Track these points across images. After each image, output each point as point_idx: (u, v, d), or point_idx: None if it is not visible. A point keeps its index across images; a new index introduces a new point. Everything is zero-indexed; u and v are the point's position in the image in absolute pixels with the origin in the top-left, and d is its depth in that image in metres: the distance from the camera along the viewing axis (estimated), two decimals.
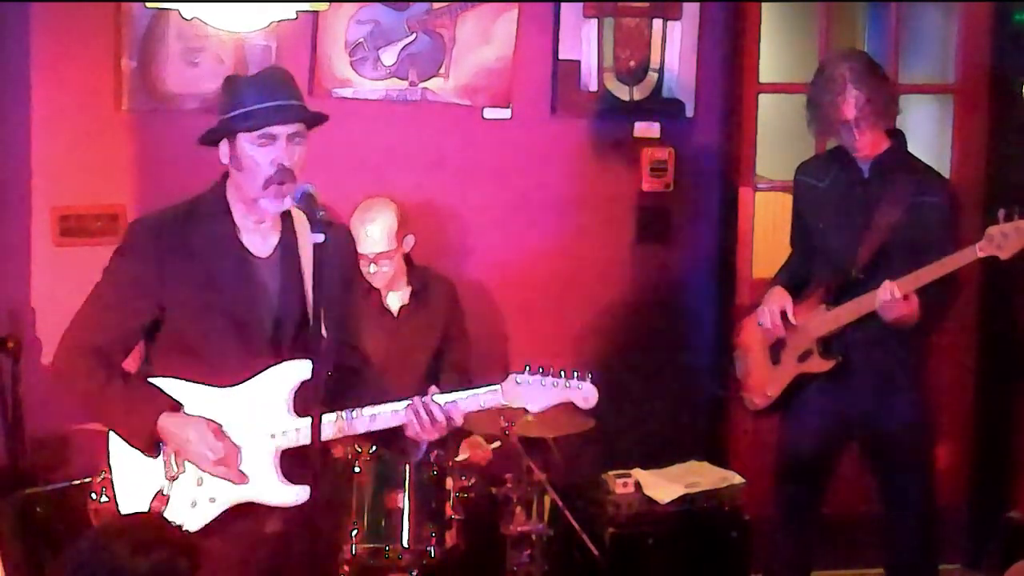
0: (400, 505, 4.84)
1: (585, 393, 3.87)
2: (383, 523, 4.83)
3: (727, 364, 5.52)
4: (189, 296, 3.84)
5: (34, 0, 5.45)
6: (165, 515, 3.79)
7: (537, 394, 3.85)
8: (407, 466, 4.85)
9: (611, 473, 5.70)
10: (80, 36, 5.49)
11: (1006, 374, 6.30)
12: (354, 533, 4.80)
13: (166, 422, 3.82)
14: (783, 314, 5.07)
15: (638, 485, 5.68)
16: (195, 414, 3.84)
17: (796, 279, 5.17)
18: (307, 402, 3.75)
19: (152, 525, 3.47)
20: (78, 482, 5.09)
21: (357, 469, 4.83)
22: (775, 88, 6.53)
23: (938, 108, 6.46)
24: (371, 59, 5.75)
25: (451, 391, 5.34)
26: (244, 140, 3.81)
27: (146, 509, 3.87)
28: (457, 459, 5.10)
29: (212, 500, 3.86)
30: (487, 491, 5.18)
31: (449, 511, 4.91)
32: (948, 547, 6.27)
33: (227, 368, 3.85)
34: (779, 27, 7.31)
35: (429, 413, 3.82)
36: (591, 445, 5.63)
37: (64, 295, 5.35)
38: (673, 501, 5.63)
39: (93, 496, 4.94)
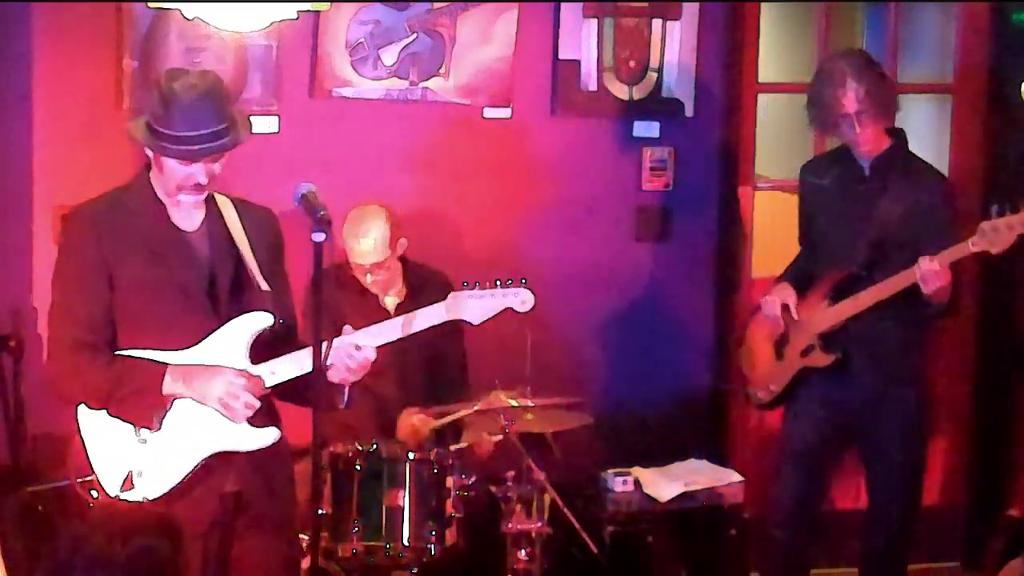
0: (400, 503, 4.84)
1: (522, 297, 4.21)
2: (383, 521, 4.84)
3: (733, 359, 5.54)
4: (131, 271, 4.06)
5: (36, 0, 5.46)
6: (136, 484, 4.01)
7: (477, 305, 4.19)
8: (408, 464, 4.86)
9: (610, 471, 5.71)
10: (82, 36, 5.50)
11: (1004, 373, 6.31)
12: (355, 531, 4.81)
13: (176, 377, 4.01)
14: (785, 307, 5.11)
15: (637, 483, 5.70)
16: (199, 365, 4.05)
17: (803, 276, 5.21)
18: (262, 351, 4.06)
19: (132, 513, 3.49)
20: (79, 480, 5.11)
21: (358, 467, 4.84)
22: (774, 88, 6.55)
23: (936, 108, 6.48)
24: (372, 59, 5.76)
25: (448, 389, 5.39)
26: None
27: (121, 483, 4.03)
28: (458, 446, 5.10)
29: (183, 459, 4.04)
30: (487, 489, 5.19)
31: (449, 509, 4.91)
32: (946, 545, 6.31)
33: (174, 332, 4.06)
34: (778, 27, 7.32)
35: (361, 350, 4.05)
36: (590, 443, 5.65)
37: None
38: (672, 499, 5.65)
39: (94, 494, 4.96)
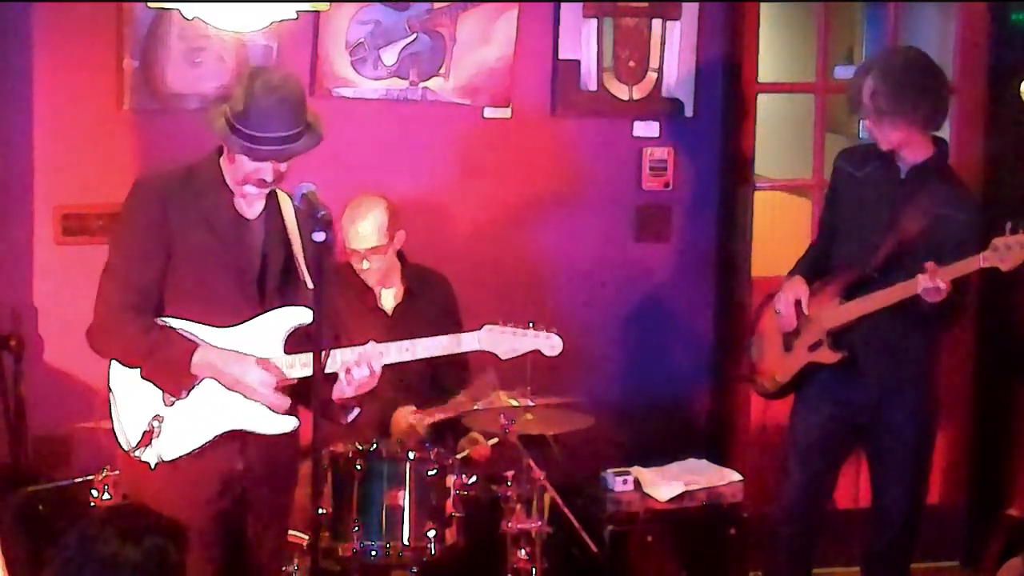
0: (401, 502, 4.85)
1: (552, 343, 4.39)
2: (384, 520, 4.85)
3: (741, 346, 5.57)
4: (189, 244, 4.21)
5: (37, 0, 5.47)
6: (151, 445, 4.16)
7: (509, 341, 4.37)
8: (408, 464, 4.87)
9: (610, 471, 5.72)
10: (82, 36, 5.51)
11: (1004, 371, 6.32)
12: (355, 530, 4.81)
13: (207, 357, 4.16)
14: (797, 303, 5.12)
15: (637, 483, 5.71)
16: (230, 351, 4.19)
17: (818, 264, 5.21)
18: (296, 344, 4.20)
19: (140, 513, 3.50)
20: (80, 480, 5.13)
21: (358, 466, 4.84)
22: (774, 88, 6.57)
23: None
24: (372, 59, 5.77)
25: (447, 389, 5.39)
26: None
27: (138, 440, 4.15)
28: (456, 456, 5.12)
29: (202, 429, 4.20)
30: (487, 489, 5.20)
31: (449, 508, 4.92)
32: (946, 544, 6.31)
33: (219, 311, 4.21)
34: (778, 27, 7.34)
35: (368, 362, 4.19)
36: (590, 443, 5.65)
37: (66, 294, 5.41)
38: (672, 499, 5.66)
39: (94, 493, 4.98)
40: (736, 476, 5.79)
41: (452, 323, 5.45)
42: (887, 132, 4.94)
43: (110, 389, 4.25)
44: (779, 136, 7.03)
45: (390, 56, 5.79)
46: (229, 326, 4.21)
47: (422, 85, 5.82)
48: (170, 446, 4.19)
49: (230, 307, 4.22)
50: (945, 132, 6.26)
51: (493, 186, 5.97)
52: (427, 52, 5.81)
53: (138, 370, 4.20)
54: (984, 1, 6.25)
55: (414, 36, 5.80)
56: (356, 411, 4.34)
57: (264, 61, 5.59)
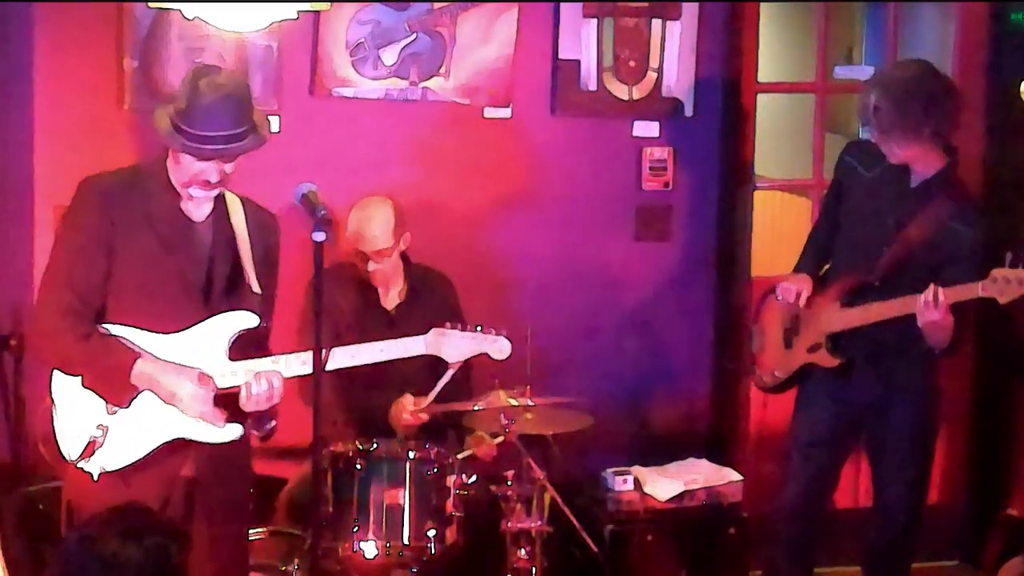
0: (401, 502, 4.85)
1: (500, 346, 4.42)
2: (384, 520, 4.85)
3: (742, 338, 5.56)
4: (133, 247, 4.12)
5: (37, 0, 5.47)
6: (94, 456, 4.09)
7: (456, 343, 4.40)
8: (408, 463, 4.87)
9: (610, 470, 5.72)
10: (82, 36, 5.51)
11: (1004, 371, 6.32)
12: (355, 530, 4.82)
13: (145, 369, 4.08)
14: (798, 296, 5.12)
15: (637, 482, 5.71)
16: (173, 363, 4.11)
17: (821, 257, 5.22)
18: (241, 350, 4.15)
19: (141, 513, 3.50)
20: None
21: (358, 466, 4.84)
22: (774, 88, 6.57)
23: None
24: (372, 58, 5.77)
25: (453, 392, 5.39)
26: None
27: (79, 453, 4.09)
28: (461, 455, 5.12)
29: (145, 438, 4.12)
30: (487, 488, 5.20)
31: (450, 508, 4.92)
32: (946, 543, 6.32)
33: (163, 315, 4.13)
34: (778, 27, 7.34)
35: (268, 380, 4.12)
36: (590, 443, 5.65)
37: None
38: (672, 498, 5.66)
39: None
40: (736, 476, 5.80)
41: (453, 324, 5.46)
42: (894, 148, 4.90)
43: (52, 399, 4.16)
44: (779, 136, 7.03)
45: (390, 56, 5.79)
46: (173, 332, 4.13)
47: (422, 85, 5.82)
48: (113, 456, 4.12)
49: (174, 312, 4.14)
50: None
51: (493, 186, 5.98)
52: (427, 52, 5.82)
53: (79, 378, 4.11)
54: (984, 1, 6.25)
55: (414, 36, 5.80)
56: (272, 423, 4.27)
57: (265, 61, 5.60)
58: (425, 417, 5.22)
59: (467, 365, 5.42)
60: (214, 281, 4.19)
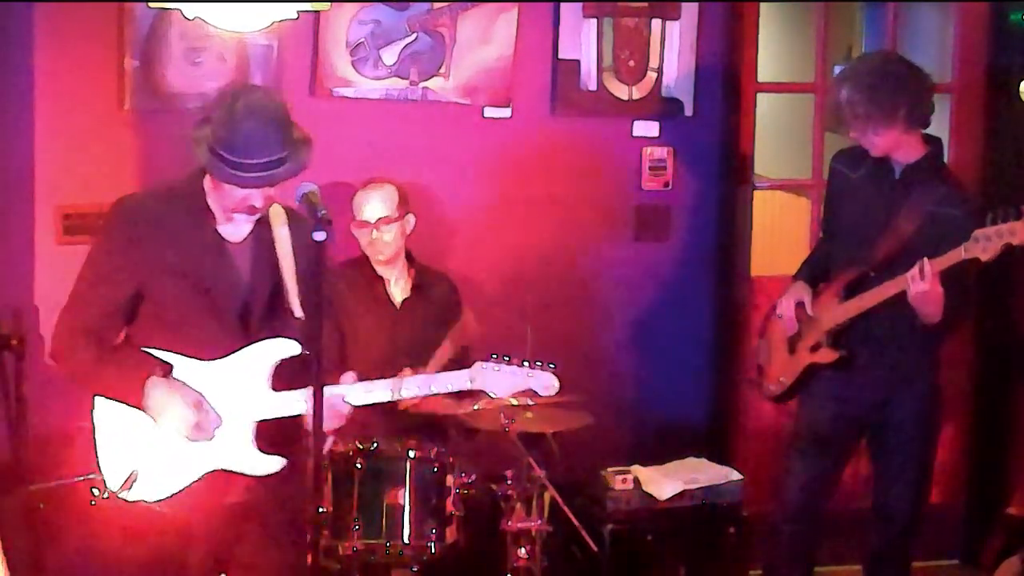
0: (401, 501, 4.86)
1: (545, 382, 4.25)
2: (384, 519, 4.85)
3: (748, 350, 5.57)
4: (167, 274, 4.01)
5: (37, 0, 5.47)
6: (136, 486, 4.00)
7: (501, 380, 4.22)
8: (408, 462, 4.88)
9: (610, 469, 5.73)
10: (83, 36, 5.51)
11: (1004, 370, 6.33)
12: (355, 529, 4.82)
13: (151, 387, 4.00)
14: (800, 304, 5.14)
15: (637, 481, 5.71)
16: (180, 383, 4.02)
17: (821, 267, 5.24)
18: (286, 379, 4.03)
19: (148, 515, 3.50)
20: (81, 479, 5.12)
21: (358, 465, 4.85)
22: (773, 87, 6.57)
23: (936, 107, 6.48)
24: (372, 58, 5.77)
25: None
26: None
27: (122, 483, 4.04)
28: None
29: (185, 470, 4.04)
30: (487, 487, 5.21)
31: (450, 507, 4.93)
32: (945, 543, 6.32)
33: (201, 343, 4.04)
34: (778, 27, 7.34)
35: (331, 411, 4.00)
36: (590, 442, 5.65)
37: (67, 294, 5.40)
38: (672, 497, 5.66)
39: (95, 492, 4.98)
40: (736, 475, 5.80)
41: (455, 322, 5.48)
42: (872, 139, 4.96)
43: (93, 424, 4.13)
44: (779, 136, 7.03)
45: (390, 56, 5.79)
46: (210, 359, 4.05)
47: (422, 85, 5.83)
48: (153, 488, 4.07)
49: (211, 339, 4.04)
50: (944, 132, 6.32)
51: (493, 186, 5.98)
52: (427, 52, 5.82)
53: (120, 407, 4.06)
54: (984, 1, 6.25)
55: (414, 36, 5.80)
56: (330, 440, 4.29)
57: (265, 61, 5.60)
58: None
59: (466, 349, 5.45)
60: (252, 307, 4.07)
